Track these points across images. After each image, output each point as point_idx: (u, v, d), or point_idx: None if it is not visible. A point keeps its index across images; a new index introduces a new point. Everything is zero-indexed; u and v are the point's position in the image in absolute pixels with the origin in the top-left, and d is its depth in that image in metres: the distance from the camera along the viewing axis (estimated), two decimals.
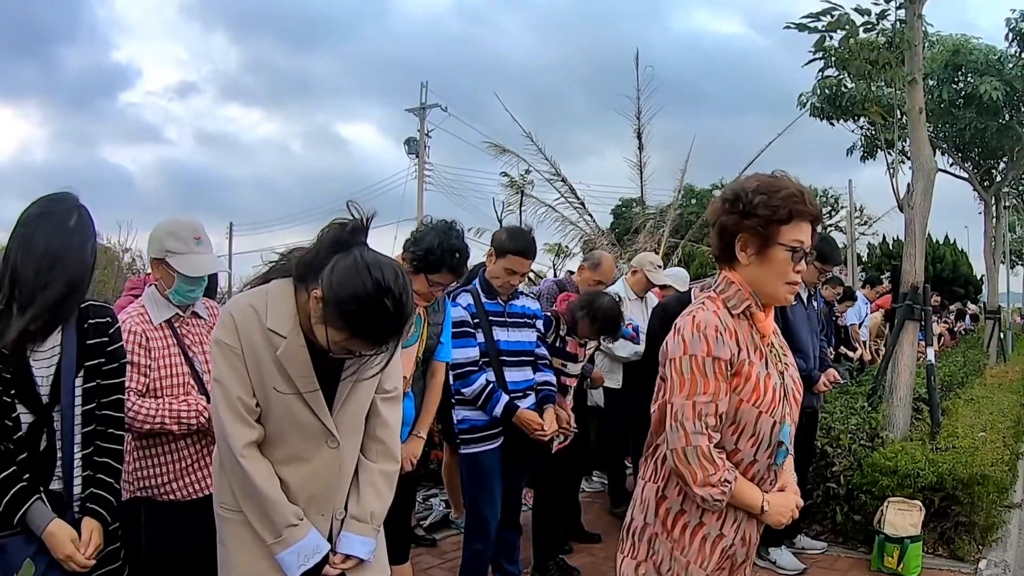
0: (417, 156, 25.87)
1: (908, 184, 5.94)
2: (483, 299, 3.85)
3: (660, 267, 6.13)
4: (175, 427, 2.82)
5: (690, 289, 5.63)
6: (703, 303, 2.06)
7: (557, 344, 4.44)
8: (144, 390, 2.81)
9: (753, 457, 2.04)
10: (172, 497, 2.88)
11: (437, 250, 3.29)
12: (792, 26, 5.54)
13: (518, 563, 4.13)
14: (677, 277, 6.17)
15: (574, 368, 4.52)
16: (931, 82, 12.20)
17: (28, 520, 2.13)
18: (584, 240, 13.90)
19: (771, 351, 2.11)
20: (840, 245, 10.82)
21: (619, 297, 5.13)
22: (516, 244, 3.77)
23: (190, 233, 2.95)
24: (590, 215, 13.85)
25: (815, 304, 4.93)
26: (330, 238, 1.98)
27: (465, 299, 3.83)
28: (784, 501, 2.10)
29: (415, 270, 3.42)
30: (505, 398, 3.76)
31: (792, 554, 4.76)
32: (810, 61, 5.72)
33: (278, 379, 2.02)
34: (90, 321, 2.31)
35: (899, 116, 6.49)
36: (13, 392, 2.13)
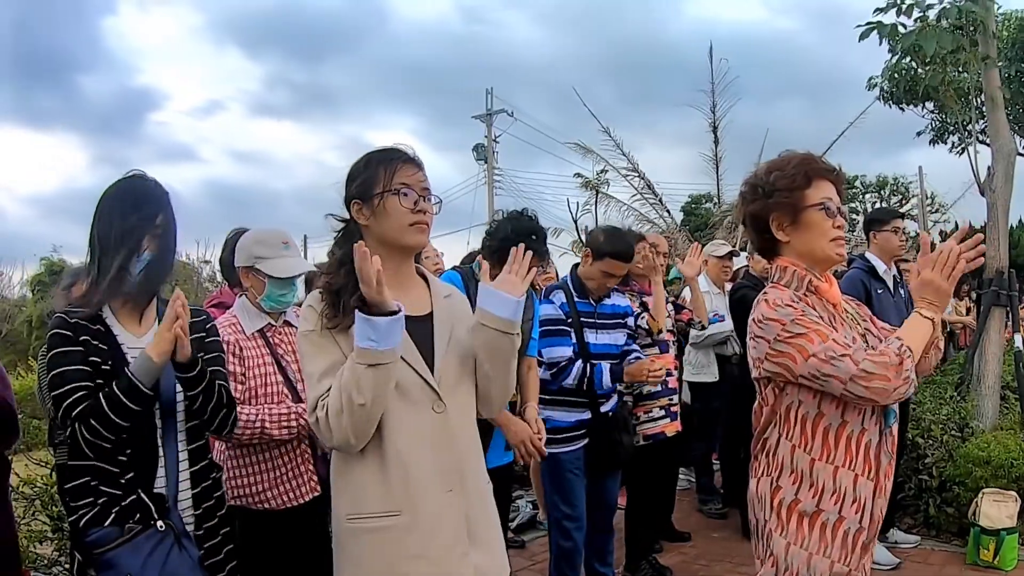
0: (485, 162, 25.85)
1: (988, 167, 5.81)
2: (575, 298, 3.83)
3: (724, 244, 6.26)
4: (275, 431, 2.79)
5: (746, 266, 5.76)
6: (766, 290, 2.08)
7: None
8: (241, 398, 2.80)
9: (862, 426, 2.00)
10: (266, 506, 2.86)
11: (512, 236, 3.26)
12: (863, 26, 5.45)
13: (611, 565, 4.12)
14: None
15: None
16: (1000, 63, 11.86)
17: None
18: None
19: (847, 316, 2.11)
20: (913, 233, 10.62)
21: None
22: (614, 247, 3.76)
23: (278, 239, 3.00)
24: (667, 211, 13.77)
25: (901, 292, 4.82)
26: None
27: (559, 297, 3.82)
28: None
29: (498, 261, 3.47)
30: (607, 366, 3.76)
31: (886, 548, 4.69)
32: (867, 31, 5.48)
33: None
34: None
35: (973, 98, 6.36)
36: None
